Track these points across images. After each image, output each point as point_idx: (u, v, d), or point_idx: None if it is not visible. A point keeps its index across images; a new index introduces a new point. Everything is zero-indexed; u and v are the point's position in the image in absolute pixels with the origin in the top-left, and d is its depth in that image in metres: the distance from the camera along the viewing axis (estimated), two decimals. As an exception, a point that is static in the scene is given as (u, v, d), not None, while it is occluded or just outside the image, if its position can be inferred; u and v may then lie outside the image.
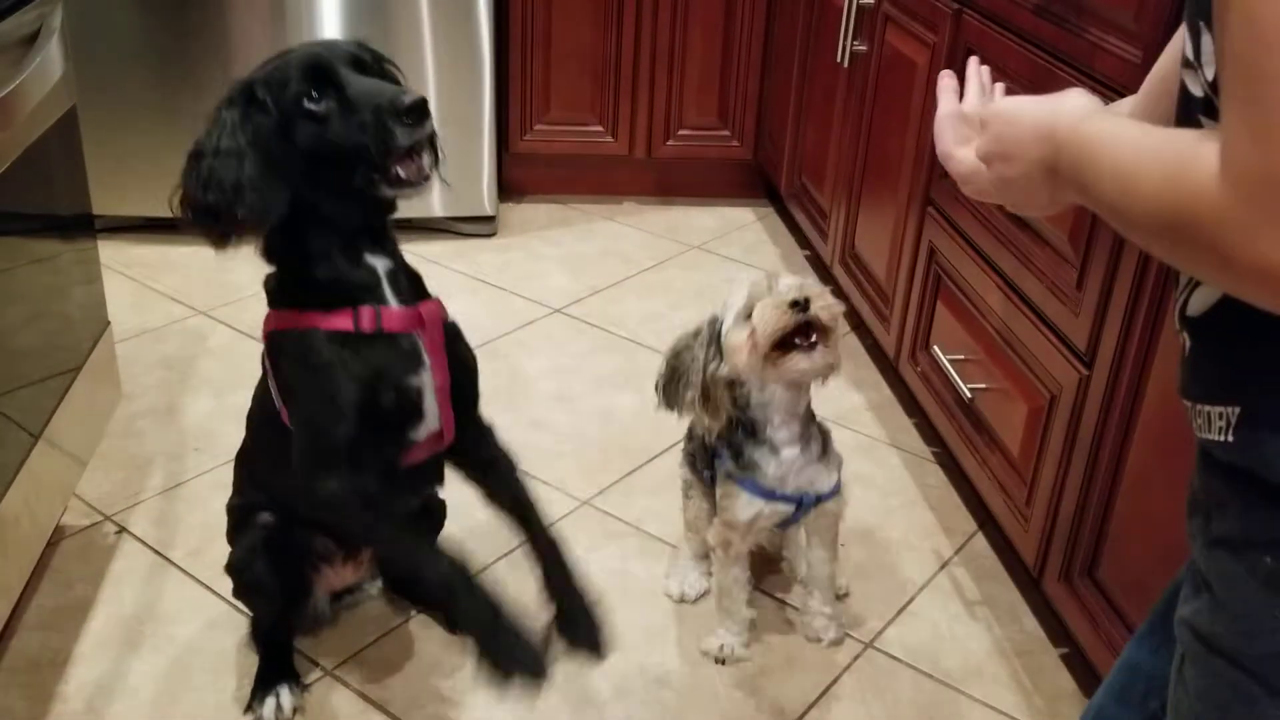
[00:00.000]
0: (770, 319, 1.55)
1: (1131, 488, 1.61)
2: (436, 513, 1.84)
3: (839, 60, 2.70)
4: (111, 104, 3.02)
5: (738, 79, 3.50)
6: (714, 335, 1.64)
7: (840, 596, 1.94)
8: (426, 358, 1.46)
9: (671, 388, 1.71)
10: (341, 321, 1.41)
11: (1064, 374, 1.74)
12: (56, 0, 1.81)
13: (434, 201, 3.25)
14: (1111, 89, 1.59)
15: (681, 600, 1.96)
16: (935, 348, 2.21)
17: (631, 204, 3.64)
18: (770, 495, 1.71)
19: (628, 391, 2.59)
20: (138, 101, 3.05)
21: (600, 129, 3.51)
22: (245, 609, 1.82)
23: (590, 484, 2.25)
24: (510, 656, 1.38)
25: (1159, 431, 1.53)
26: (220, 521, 2.06)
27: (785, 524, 1.80)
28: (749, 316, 1.58)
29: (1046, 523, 1.80)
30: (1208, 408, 0.82)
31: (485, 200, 3.31)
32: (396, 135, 1.31)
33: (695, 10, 3.38)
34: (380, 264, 1.45)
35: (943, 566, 2.07)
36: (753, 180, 3.69)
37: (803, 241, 3.36)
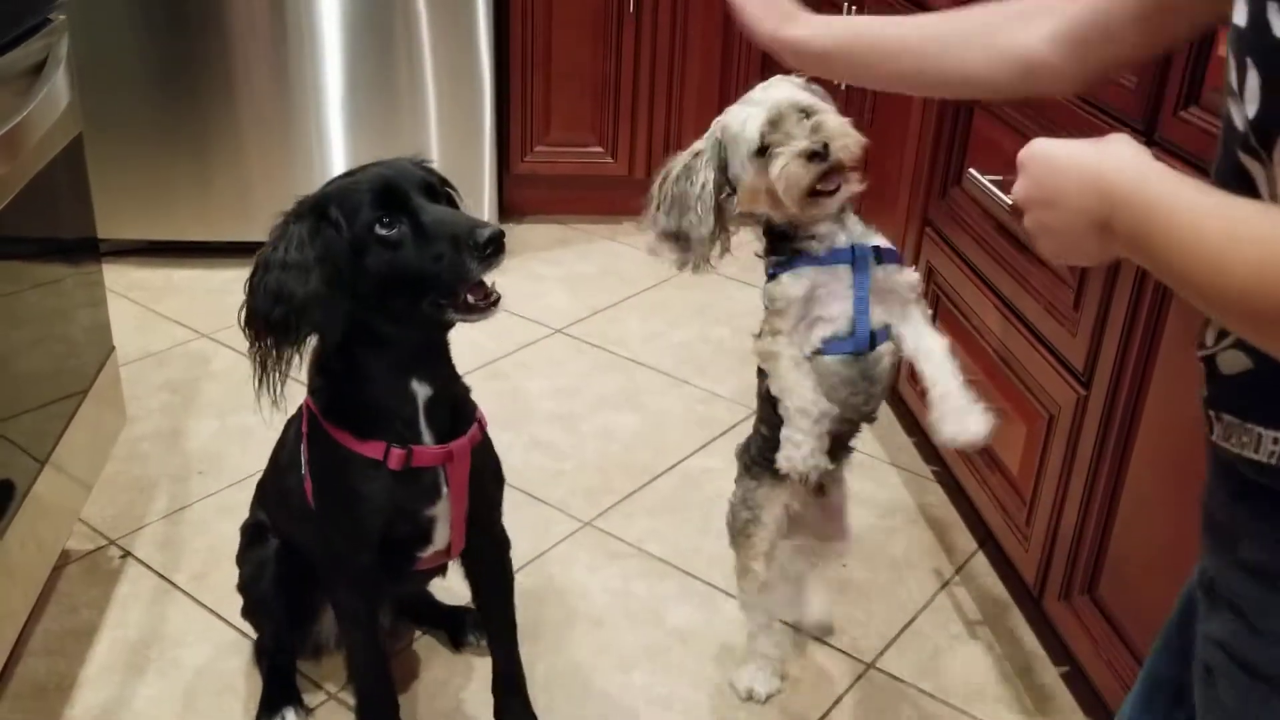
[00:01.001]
0: (793, 176, 1.43)
1: (1130, 507, 1.62)
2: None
3: (836, 81, 2.71)
4: (115, 129, 3.04)
5: (736, 98, 3.51)
6: (720, 160, 1.51)
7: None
8: (446, 489, 1.48)
9: (673, 218, 1.58)
10: (372, 452, 1.42)
11: (1062, 394, 1.75)
12: (63, 30, 1.83)
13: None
14: (1107, 114, 1.61)
15: (750, 698, 1.82)
16: (934, 367, 2.22)
17: (631, 224, 3.65)
18: (824, 260, 1.53)
19: (629, 411, 2.60)
20: (141, 127, 3.07)
21: (600, 150, 3.53)
22: (251, 631, 1.83)
23: (591, 504, 2.26)
24: None
25: (1157, 450, 1.55)
26: (224, 545, 2.07)
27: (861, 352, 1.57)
28: (761, 153, 1.46)
29: (1046, 542, 1.81)
30: (1261, 429, 0.79)
31: (485, 220, 3.32)
32: (472, 269, 1.30)
33: (694, 31, 3.40)
34: (422, 392, 1.43)
35: (943, 586, 2.08)
36: (752, 199, 3.71)
37: (802, 260, 3.37)
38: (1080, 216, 0.83)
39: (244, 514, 2.15)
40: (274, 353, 1.35)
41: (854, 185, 1.49)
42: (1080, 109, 1.67)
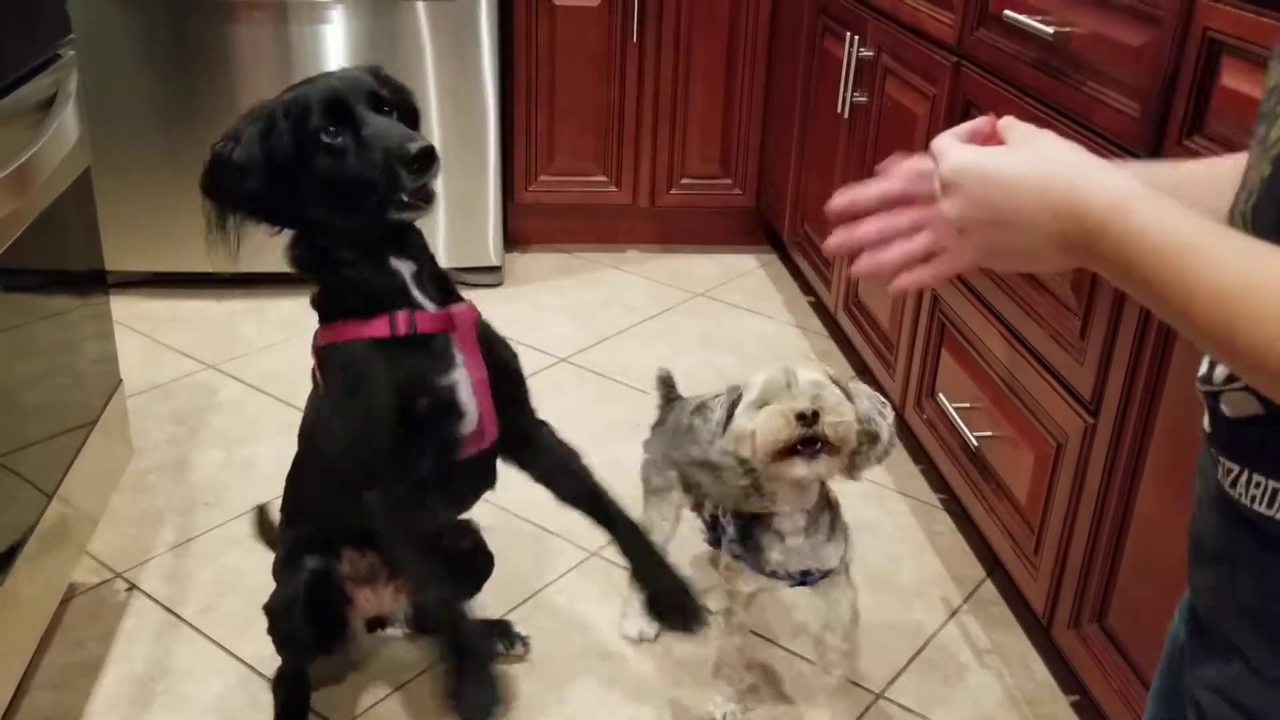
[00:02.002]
0: (772, 427, 1.49)
1: (1138, 535, 1.61)
2: (481, 560, 1.89)
3: (840, 111, 2.74)
4: (122, 162, 3.05)
5: (739, 128, 3.53)
6: (729, 410, 1.58)
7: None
8: (460, 355, 1.52)
9: (682, 440, 1.69)
10: (379, 327, 1.48)
11: (1069, 422, 1.75)
12: (72, 66, 1.84)
13: (440, 252, 3.27)
14: (1110, 142, 1.62)
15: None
16: (941, 395, 2.23)
17: (635, 252, 3.67)
18: (774, 575, 1.67)
19: (634, 440, 2.59)
20: (148, 160, 3.08)
21: (604, 178, 3.54)
22: (258, 664, 1.82)
23: (597, 535, 2.25)
24: (470, 696, 1.55)
25: (1165, 479, 1.54)
26: (230, 577, 2.08)
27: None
28: (762, 407, 1.53)
29: (1055, 570, 1.80)
30: (1274, 483, 0.74)
31: (490, 250, 3.34)
32: (403, 179, 1.41)
33: (697, 61, 3.42)
34: (404, 267, 1.51)
35: (952, 615, 2.08)
36: (755, 228, 3.72)
37: (806, 288, 3.38)
38: (1043, 238, 0.76)
39: (251, 545, 2.16)
40: (220, 220, 1.49)
41: (835, 466, 1.53)
42: (1083, 136, 1.68)
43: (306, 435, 1.69)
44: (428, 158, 1.41)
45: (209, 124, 3.05)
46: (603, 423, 2.66)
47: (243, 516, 2.25)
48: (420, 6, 3.06)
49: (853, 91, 2.67)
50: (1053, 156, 0.77)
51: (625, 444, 2.57)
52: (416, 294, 1.51)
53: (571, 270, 3.53)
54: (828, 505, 1.66)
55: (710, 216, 3.68)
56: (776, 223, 3.45)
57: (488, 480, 1.67)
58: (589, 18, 3.33)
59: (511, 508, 1.85)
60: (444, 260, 3.30)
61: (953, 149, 0.82)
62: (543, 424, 1.70)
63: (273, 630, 1.74)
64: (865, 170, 2.64)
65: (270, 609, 1.73)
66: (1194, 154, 1.43)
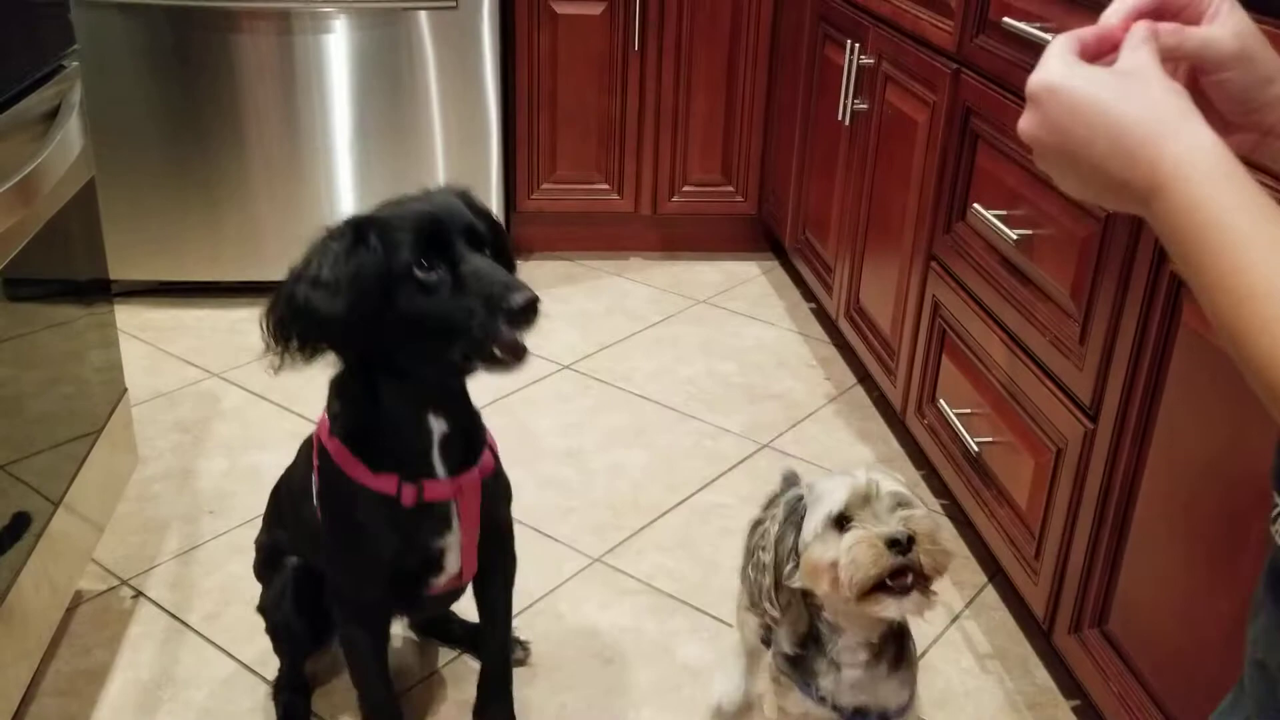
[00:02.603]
0: (863, 561, 1.25)
1: (1139, 541, 1.62)
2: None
3: (840, 118, 2.75)
4: (126, 171, 3.07)
5: (741, 135, 3.55)
6: (795, 522, 1.34)
7: None
8: (456, 521, 1.49)
9: (746, 573, 1.41)
10: (385, 486, 1.43)
11: (1069, 427, 1.76)
12: (75, 77, 1.85)
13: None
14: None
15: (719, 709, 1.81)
16: (941, 401, 2.24)
17: (638, 260, 3.68)
18: (823, 702, 1.43)
19: (637, 447, 2.61)
20: (152, 169, 3.10)
21: (606, 186, 3.55)
22: (262, 669, 1.83)
23: (601, 541, 2.27)
24: None
25: (1165, 485, 1.55)
26: (235, 584, 2.08)
27: None
28: (839, 525, 1.29)
29: (1055, 575, 1.81)
30: None
31: (493, 259, 3.35)
32: (502, 332, 1.29)
33: (698, 69, 3.43)
34: (438, 427, 1.44)
35: (953, 620, 2.08)
36: (757, 235, 3.73)
37: (808, 294, 3.39)
38: (1107, 182, 0.73)
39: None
40: (287, 357, 1.35)
41: (926, 605, 1.29)
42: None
43: (290, 491, 1.66)
44: (533, 311, 1.27)
45: (212, 133, 3.10)
46: (605, 430, 2.67)
47: (247, 524, 2.26)
48: (423, 15, 3.07)
49: (853, 99, 2.68)
50: (1142, 99, 0.72)
51: (627, 450, 2.59)
52: (437, 458, 1.45)
53: (574, 278, 3.54)
54: (895, 634, 1.41)
55: (712, 224, 3.69)
56: (778, 229, 3.46)
57: (455, 598, 1.70)
58: (591, 26, 3.34)
59: (513, 514, 1.85)
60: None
61: (1054, 60, 0.77)
62: (510, 557, 1.70)
63: (267, 627, 1.75)
64: (866, 178, 2.65)
65: (261, 607, 1.75)
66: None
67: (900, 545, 1.25)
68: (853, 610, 1.31)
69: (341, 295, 1.29)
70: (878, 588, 1.27)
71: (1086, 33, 0.80)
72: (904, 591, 1.27)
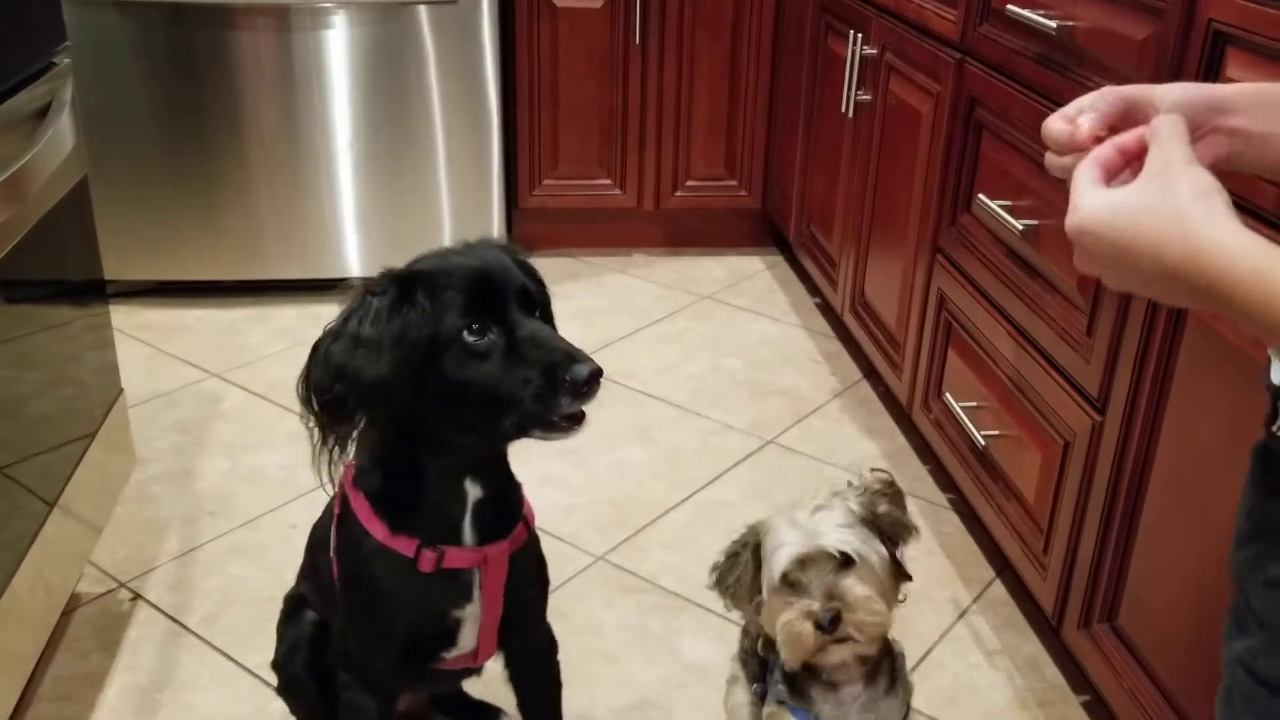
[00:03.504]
0: (795, 638, 1.35)
1: (1148, 534, 1.60)
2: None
3: (844, 110, 2.72)
4: (124, 171, 3.05)
5: (744, 129, 3.52)
6: (756, 562, 1.43)
7: None
8: (478, 593, 1.37)
9: (721, 589, 1.52)
10: (403, 548, 1.32)
11: (1077, 420, 1.73)
12: (67, 74, 1.83)
13: (444, 258, 3.27)
14: (1115, 136, 1.60)
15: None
16: (948, 395, 2.21)
17: (641, 256, 3.65)
18: None
19: (640, 445, 2.59)
20: (150, 168, 3.08)
21: (608, 182, 3.53)
22: (265, 673, 1.81)
23: (604, 539, 2.24)
24: None
25: (1174, 476, 1.53)
26: (235, 586, 2.07)
27: None
28: (786, 584, 1.37)
29: (1064, 570, 1.79)
30: None
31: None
32: (562, 405, 1.19)
33: (700, 63, 3.41)
34: (473, 493, 1.33)
35: (961, 615, 2.06)
36: (761, 229, 3.71)
37: (813, 289, 3.37)
38: (1170, 293, 0.78)
39: (256, 554, 2.16)
40: (325, 428, 1.24)
41: (869, 647, 1.38)
42: (1088, 132, 1.66)
43: (313, 563, 1.56)
44: (596, 383, 1.19)
45: (211, 131, 3.08)
46: (609, 427, 2.65)
47: (247, 525, 2.25)
48: (422, 11, 3.05)
49: (857, 90, 2.66)
50: (1171, 210, 0.76)
51: (631, 447, 2.57)
52: (468, 526, 1.34)
53: (577, 275, 3.52)
54: (889, 653, 1.47)
55: (716, 219, 3.67)
56: (782, 224, 3.44)
57: (474, 674, 1.56)
58: (591, 20, 3.32)
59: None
60: (448, 266, 3.32)
61: (1081, 195, 0.81)
62: (549, 648, 1.57)
63: (279, 682, 1.65)
64: (870, 170, 2.63)
65: (275, 663, 1.65)
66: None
67: (824, 629, 1.33)
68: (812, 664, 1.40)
69: (386, 356, 1.18)
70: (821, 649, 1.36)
71: (1104, 152, 0.84)
72: (843, 641, 1.35)
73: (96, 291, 2.02)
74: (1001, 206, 1.91)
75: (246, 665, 1.88)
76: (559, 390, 1.18)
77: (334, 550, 1.41)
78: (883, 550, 1.38)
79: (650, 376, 2.88)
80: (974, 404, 2.10)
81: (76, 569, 1.90)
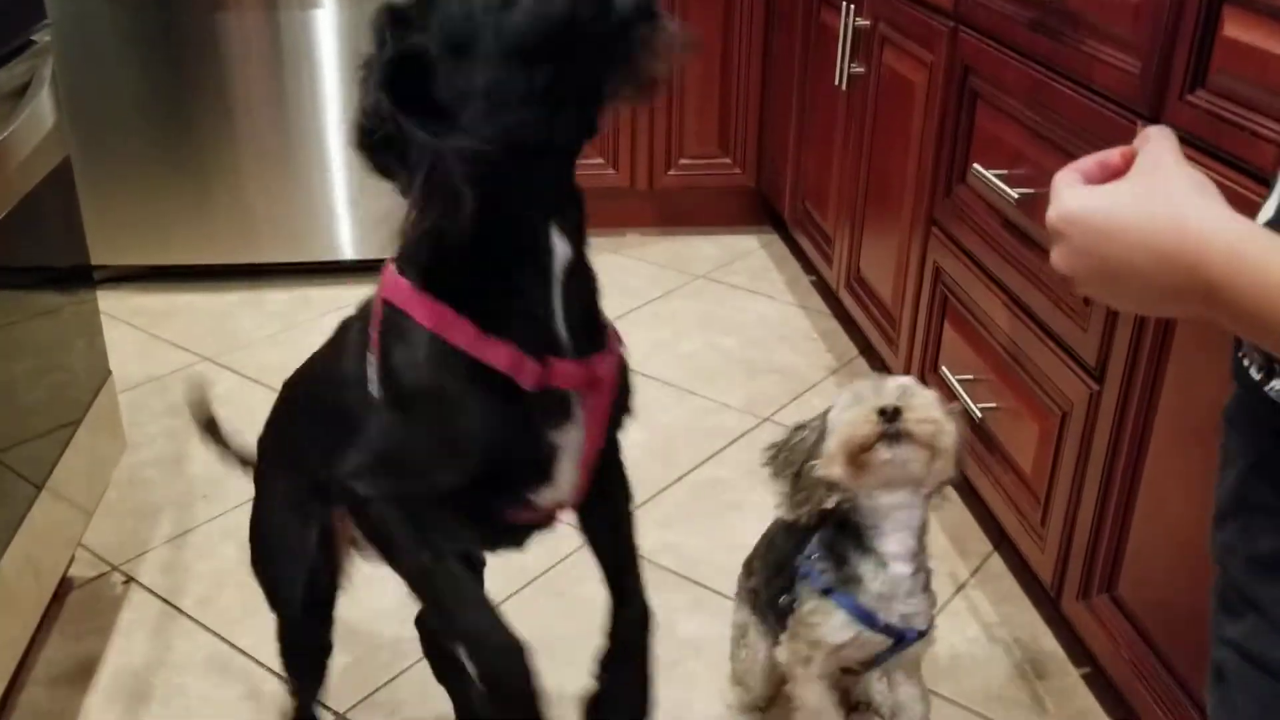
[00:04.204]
0: (852, 421, 1.37)
1: (1147, 504, 1.58)
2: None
3: (837, 84, 2.70)
4: (110, 154, 3.03)
5: (737, 106, 3.50)
6: (823, 430, 1.45)
7: None
8: (580, 416, 1.12)
9: (779, 457, 1.51)
10: (496, 356, 1.03)
11: (1074, 390, 1.72)
12: (47, 52, 1.81)
13: (437, 240, 3.25)
14: (1111, 100, 1.58)
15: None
16: (944, 368, 2.19)
17: (635, 235, 3.63)
18: (871, 620, 1.45)
19: (636, 425, 2.56)
20: (137, 151, 3.06)
21: (601, 161, 3.50)
22: (259, 654, 1.80)
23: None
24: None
25: (1173, 445, 1.51)
26: (228, 568, 2.06)
27: (870, 664, 1.57)
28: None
29: (1062, 541, 1.77)
30: None
31: (488, 237, 3.31)
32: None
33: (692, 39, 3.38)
34: (561, 251, 1.04)
35: (959, 589, 2.05)
36: (756, 207, 3.68)
37: (808, 267, 3.35)
38: (1156, 290, 0.71)
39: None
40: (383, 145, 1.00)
41: (918, 455, 1.37)
42: (1083, 96, 1.64)
43: (323, 387, 1.27)
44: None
45: (200, 114, 3.05)
46: (604, 406, 2.63)
47: (240, 508, 2.23)
48: (411, -10, 3.02)
49: (850, 63, 2.63)
50: (1163, 198, 0.71)
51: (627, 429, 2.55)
52: (559, 317, 1.06)
53: (571, 254, 3.49)
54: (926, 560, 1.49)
55: (710, 197, 3.65)
56: (776, 201, 3.42)
57: (531, 533, 1.26)
58: (582, -2, 3.29)
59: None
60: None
61: (1065, 191, 0.75)
62: (627, 486, 1.34)
63: (254, 557, 1.44)
64: (864, 144, 2.61)
65: (251, 530, 1.43)
66: (1197, 109, 1.39)
67: (888, 412, 1.36)
68: (861, 483, 1.40)
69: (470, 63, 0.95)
70: (869, 450, 1.37)
71: (1084, 163, 0.78)
72: (895, 439, 1.36)
73: (83, 276, 2.00)
74: (997, 175, 1.89)
75: (240, 646, 1.87)
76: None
77: (379, 378, 1.10)
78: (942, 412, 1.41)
79: (645, 356, 2.87)
80: (970, 377, 2.08)
81: (66, 552, 1.89)
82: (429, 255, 1.05)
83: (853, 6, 2.59)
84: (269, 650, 1.76)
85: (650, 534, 2.19)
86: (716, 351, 2.90)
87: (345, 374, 1.16)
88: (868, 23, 2.54)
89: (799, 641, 1.51)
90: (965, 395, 2.05)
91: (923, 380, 1.50)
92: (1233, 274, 0.66)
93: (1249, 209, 1.26)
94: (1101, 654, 1.69)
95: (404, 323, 1.07)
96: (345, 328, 1.22)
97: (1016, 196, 1.82)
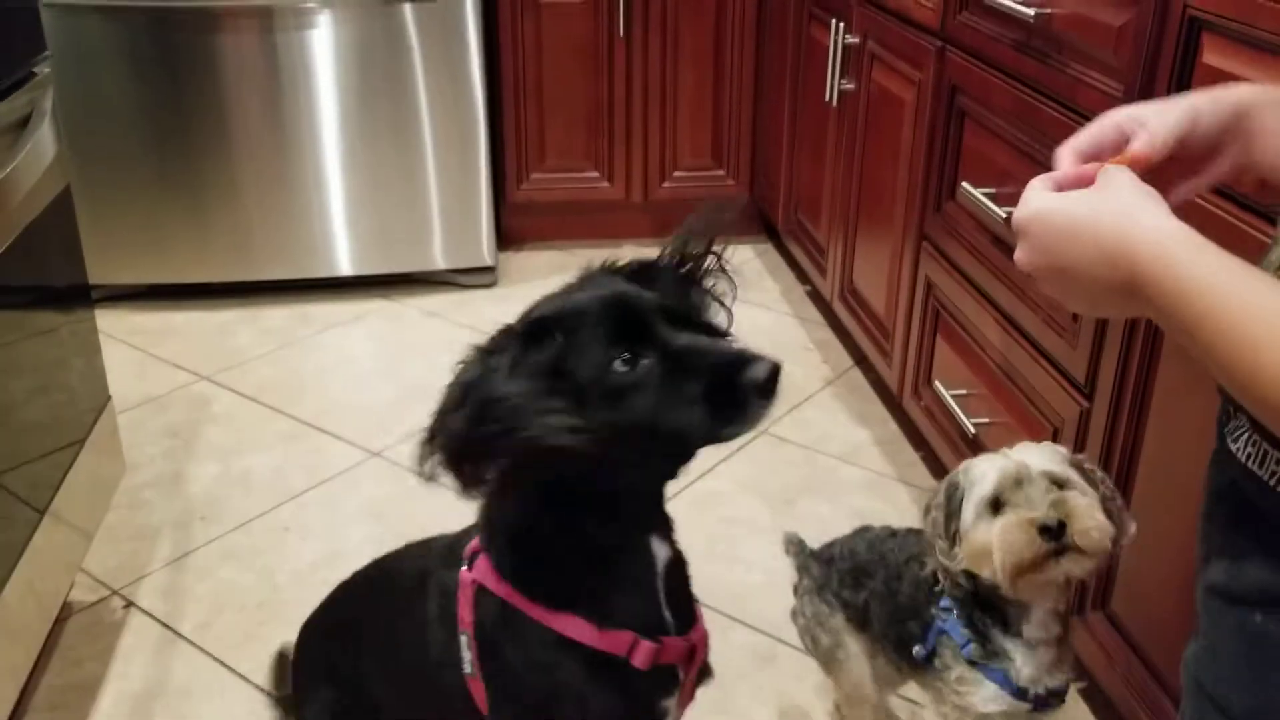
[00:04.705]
0: (1014, 546, 1.25)
1: (1138, 519, 1.59)
2: None
3: (828, 99, 2.72)
4: (110, 175, 3.04)
5: (730, 118, 3.51)
6: (952, 510, 1.34)
7: None
8: (682, 678, 1.21)
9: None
10: (615, 645, 1.12)
11: (1065, 406, 1.73)
12: (47, 84, 1.82)
13: (434, 254, 3.27)
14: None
15: None
16: (937, 383, 2.21)
17: (631, 247, 3.64)
18: (1023, 695, 1.38)
19: (632, 438, 2.58)
20: (135, 170, 3.07)
21: (596, 174, 3.52)
22: (252, 681, 1.81)
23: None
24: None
25: (1164, 461, 1.53)
26: (227, 591, 2.07)
27: None
28: (995, 509, 1.29)
29: (1055, 557, 1.78)
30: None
31: (485, 251, 3.33)
32: (751, 412, 1.02)
33: (685, 52, 3.40)
34: (661, 554, 1.16)
35: (955, 603, 2.06)
36: (750, 218, 3.70)
37: (802, 277, 3.36)
38: (1103, 286, 0.78)
39: (248, 558, 2.16)
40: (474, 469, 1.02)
41: (1084, 564, 1.28)
42: (1068, 117, 1.66)
43: (419, 687, 1.29)
44: (776, 379, 1.02)
45: (197, 134, 3.07)
46: (600, 421, 2.64)
47: (239, 529, 2.25)
48: (406, 8, 3.04)
49: (840, 79, 2.65)
50: (1114, 202, 0.78)
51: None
52: (662, 597, 1.16)
53: (566, 268, 3.45)
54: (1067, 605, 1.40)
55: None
56: (770, 212, 3.43)
57: None
58: (574, 12, 3.31)
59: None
60: (438, 262, 3.30)
61: (1031, 194, 0.83)
62: None
63: None
64: (856, 159, 2.62)
65: None
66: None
67: (1051, 530, 1.24)
68: (1019, 591, 1.30)
69: (529, 390, 1.00)
70: (1034, 568, 1.26)
71: (1060, 174, 0.86)
72: (1061, 553, 1.25)
73: (81, 298, 2.01)
74: (985, 194, 1.90)
75: (240, 671, 1.88)
76: (743, 397, 1.01)
77: (474, 666, 1.18)
78: (1090, 490, 1.31)
79: (641, 369, 2.88)
80: (964, 391, 2.10)
81: (68, 577, 1.90)
82: (532, 566, 1.14)
83: (842, 24, 2.61)
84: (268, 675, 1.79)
85: (647, 551, 2.20)
86: (712, 364, 2.91)
87: (442, 654, 1.22)
88: (857, 40, 2.56)
89: (947, 705, 1.45)
90: (959, 410, 2.07)
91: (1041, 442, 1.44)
92: (1158, 270, 0.72)
93: (1227, 232, 1.28)
94: (1096, 669, 1.70)
95: (512, 615, 1.14)
96: (417, 586, 1.26)
97: (1005, 215, 1.83)
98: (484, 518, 1.16)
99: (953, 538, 1.34)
